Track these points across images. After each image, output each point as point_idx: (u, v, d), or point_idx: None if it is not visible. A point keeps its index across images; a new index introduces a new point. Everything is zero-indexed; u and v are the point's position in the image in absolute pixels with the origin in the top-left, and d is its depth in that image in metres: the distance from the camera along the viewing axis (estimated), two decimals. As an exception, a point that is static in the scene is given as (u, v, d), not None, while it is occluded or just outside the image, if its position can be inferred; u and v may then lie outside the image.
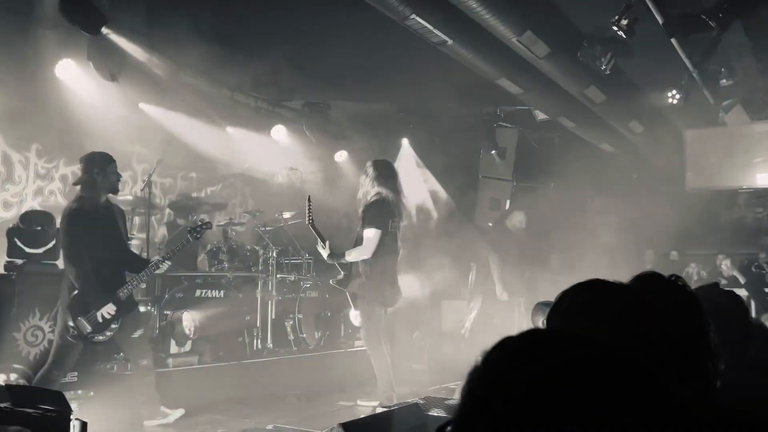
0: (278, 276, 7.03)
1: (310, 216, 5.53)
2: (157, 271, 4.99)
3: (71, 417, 3.13)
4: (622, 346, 1.33)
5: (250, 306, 6.71)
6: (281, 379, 6.35)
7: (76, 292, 4.71)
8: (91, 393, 5.22)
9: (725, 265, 9.45)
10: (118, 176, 4.95)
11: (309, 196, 5.67)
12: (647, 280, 1.69)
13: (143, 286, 5.25)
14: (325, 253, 5.52)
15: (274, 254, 7.04)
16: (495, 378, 0.76)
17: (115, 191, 4.98)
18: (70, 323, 4.68)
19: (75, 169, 7.22)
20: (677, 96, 7.32)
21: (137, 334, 4.92)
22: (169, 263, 5.01)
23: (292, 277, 7.30)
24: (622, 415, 0.71)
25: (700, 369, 1.48)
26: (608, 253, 10.20)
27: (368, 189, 5.48)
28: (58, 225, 5.59)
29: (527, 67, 6.48)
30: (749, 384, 2.07)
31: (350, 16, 5.92)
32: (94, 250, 4.74)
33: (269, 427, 5.17)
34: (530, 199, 8.83)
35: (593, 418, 0.70)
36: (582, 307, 1.45)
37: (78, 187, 4.89)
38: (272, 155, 8.62)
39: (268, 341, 6.77)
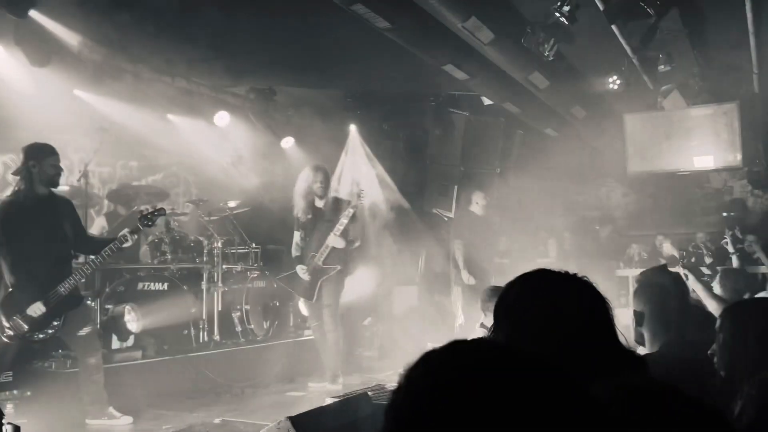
0: (224, 267, 6.91)
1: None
2: (125, 245, 4.81)
3: (2, 421, 2.98)
4: (567, 337, 1.34)
5: (195, 298, 6.57)
6: (229, 372, 6.26)
7: (10, 289, 4.55)
8: (28, 393, 5.02)
9: (665, 246, 9.77)
10: (58, 169, 4.76)
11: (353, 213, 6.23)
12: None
13: (89, 270, 4.96)
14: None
15: (220, 244, 6.90)
16: (417, 397, 0.77)
17: (54, 184, 4.78)
18: (5, 323, 4.51)
19: (6, 160, 6.90)
20: (618, 81, 7.48)
21: (84, 331, 4.78)
22: (135, 237, 4.88)
23: (239, 268, 7.18)
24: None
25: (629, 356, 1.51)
26: (554, 236, 10.44)
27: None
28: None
29: (473, 53, 6.49)
30: (685, 359, 2.15)
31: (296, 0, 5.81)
32: (30, 245, 4.58)
33: (217, 420, 5.09)
34: (478, 184, 8.90)
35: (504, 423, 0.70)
36: (530, 297, 1.46)
37: (17, 179, 4.74)
38: (216, 142, 8.42)
39: (215, 333, 6.65)
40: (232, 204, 7.55)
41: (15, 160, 6.96)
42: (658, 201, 11.37)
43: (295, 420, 3.04)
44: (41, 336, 4.64)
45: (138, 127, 7.50)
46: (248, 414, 5.36)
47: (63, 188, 6.29)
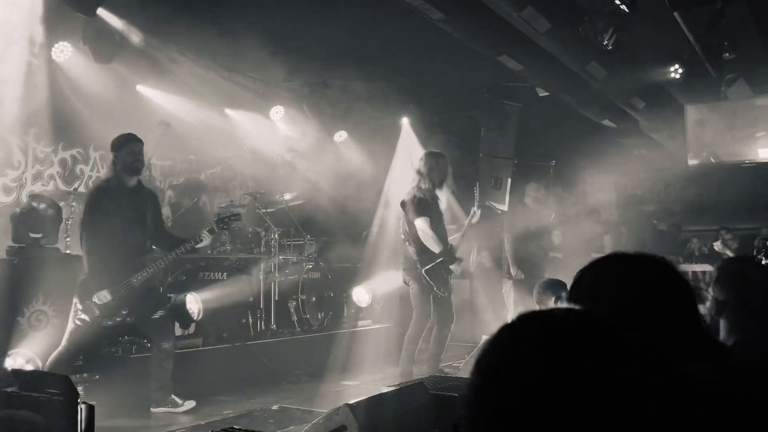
0: (280, 257, 7.03)
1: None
2: (200, 245, 4.96)
3: (78, 401, 3.13)
4: (650, 319, 1.29)
5: (253, 287, 6.71)
6: (285, 360, 6.37)
7: (86, 274, 4.71)
8: (97, 376, 5.23)
9: (727, 241, 9.44)
10: (136, 155, 4.78)
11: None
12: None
13: (162, 265, 5.00)
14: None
15: (276, 236, 7.03)
16: (501, 359, 0.76)
17: (135, 171, 4.80)
18: (79, 306, 4.65)
19: (74, 153, 7.19)
20: (679, 71, 7.27)
21: (158, 314, 4.86)
22: (210, 238, 5.03)
23: (294, 259, 7.29)
24: (622, 390, 0.71)
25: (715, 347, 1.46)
26: (610, 231, 10.22)
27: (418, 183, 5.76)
28: (59, 210, 5.59)
29: (528, 43, 6.42)
30: (763, 353, 2.07)
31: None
32: (111, 233, 4.66)
33: (275, 407, 5.20)
34: (531, 177, 8.78)
35: (594, 389, 0.70)
36: (607, 280, 1.41)
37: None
38: (271, 136, 8.58)
39: (272, 322, 6.78)
40: (287, 197, 7.67)
41: (82, 154, 7.27)
42: (720, 194, 10.99)
43: (353, 407, 3.08)
44: (110, 323, 4.73)
45: (197, 122, 7.72)
46: (304, 402, 5.46)
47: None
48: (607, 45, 6.15)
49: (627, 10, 5.44)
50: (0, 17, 5.81)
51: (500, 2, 5.46)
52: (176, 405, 4.88)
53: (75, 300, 4.70)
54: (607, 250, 9.91)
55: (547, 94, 8.52)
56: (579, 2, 6.17)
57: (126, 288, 4.70)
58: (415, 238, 5.68)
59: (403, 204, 5.83)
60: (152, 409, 4.86)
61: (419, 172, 5.76)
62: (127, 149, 4.75)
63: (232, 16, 6.57)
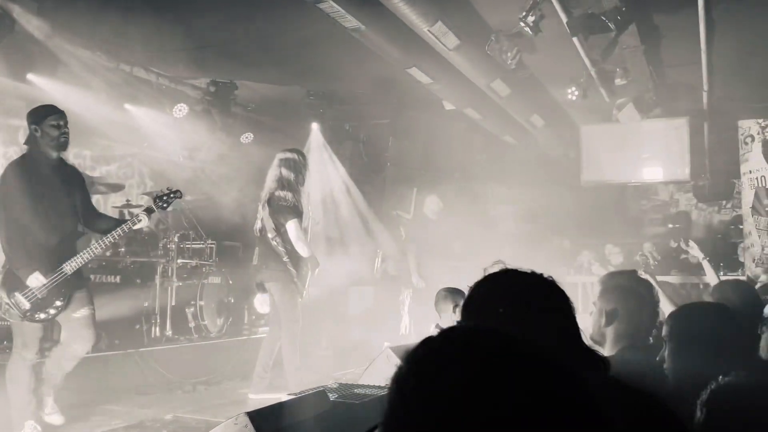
0: (179, 261, 6.79)
1: None
2: (137, 226, 4.44)
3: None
4: (537, 336, 1.37)
5: (148, 292, 6.45)
6: (181, 368, 6.16)
7: (6, 265, 4.18)
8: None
9: (613, 254, 10.07)
10: (62, 129, 4.26)
11: None
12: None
13: (98, 251, 4.45)
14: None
15: (175, 239, 6.79)
16: (422, 376, 0.77)
17: (61, 147, 4.30)
18: (6, 300, 4.14)
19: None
20: (576, 93, 7.67)
21: (80, 313, 4.32)
22: (149, 219, 4.52)
23: (194, 263, 7.08)
24: (547, 402, 0.73)
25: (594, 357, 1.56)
26: (509, 242, 10.62)
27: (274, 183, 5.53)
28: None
29: (437, 57, 6.57)
30: (646, 363, 2.21)
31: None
32: (34, 215, 4.15)
33: (168, 417, 5.01)
34: (436, 188, 9.00)
35: (519, 409, 0.72)
36: (499, 297, 1.49)
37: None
38: (173, 135, 8.27)
39: (168, 328, 6.54)
40: (188, 198, 7.43)
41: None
42: (608, 211, 11.71)
43: (252, 415, 3.02)
44: (42, 316, 4.18)
45: (93, 116, 7.31)
46: (200, 411, 5.29)
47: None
48: (511, 64, 6.41)
49: (531, 33, 5.69)
50: None
51: (412, 16, 5.56)
52: (53, 415, 4.38)
53: (3, 294, 4.17)
54: (506, 260, 10.31)
55: (454, 108, 8.76)
56: (487, 22, 6.39)
57: (59, 277, 4.18)
58: (285, 239, 5.47)
59: (269, 201, 5.53)
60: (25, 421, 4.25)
61: (282, 171, 5.57)
62: (52, 121, 4.24)
63: (138, 8, 6.30)
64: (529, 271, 1.56)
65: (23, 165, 4.25)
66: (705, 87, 7.67)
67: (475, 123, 9.28)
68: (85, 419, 4.79)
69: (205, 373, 6.28)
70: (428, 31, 5.81)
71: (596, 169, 9.54)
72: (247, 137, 8.99)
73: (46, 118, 4.26)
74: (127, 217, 5.10)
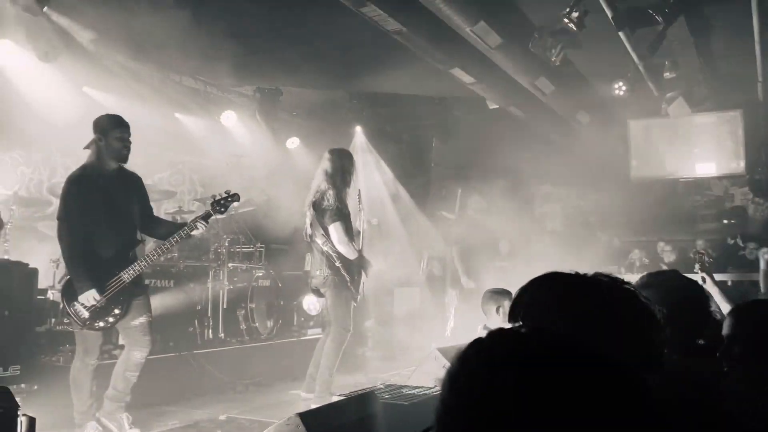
0: (230, 265, 6.94)
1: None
2: (194, 232, 4.39)
3: (18, 413, 3.03)
4: (587, 339, 1.37)
5: (201, 295, 6.61)
6: (234, 369, 6.29)
7: (68, 274, 4.30)
8: (35, 387, 5.06)
9: (666, 252, 9.83)
10: (125, 142, 4.34)
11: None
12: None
13: (156, 258, 4.47)
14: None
15: (226, 243, 6.94)
16: (474, 377, 0.78)
17: (122, 159, 4.36)
18: (66, 310, 4.25)
19: (15, 155, 6.94)
20: (623, 87, 7.53)
21: (138, 321, 4.34)
22: (206, 225, 4.44)
23: (244, 266, 7.22)
24: (601, 404, 0.74)
25: (653, 359, 1.54)
26: (555, 241, 10.49)
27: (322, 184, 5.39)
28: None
29: (480, 57, 6.55)
30: (697, 369, 2.17)
31: (304, 1, 5.85)
32: (94, 225, 4.22)
33: (222, 417, 5.13)
34: (480, 188, 8.95)
35: (570, 410, 0.72)
36: (544, 301, 1.48)
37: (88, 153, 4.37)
38: (222, 142, 8.47)
39: (220, 331, 6.69)
40: (236, 203, 7.57)
41: (23, 156, 7.02)
42: (659, 207, 11.42)
43: (304, 416, 3.08)
44: (101, 324, 4.24)
45: (145, 125, 7.54)
46: (252, 411, 5.40)
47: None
48: (555, 61, 6.34)
49: (575, 29, 5.62)
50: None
51: (454, 16, 5.56)
52: (121, 428, 4.38)
53: (62, 304, 4.32)
54: (551, 259, 10.19)
55: (497, 107, 8.70)
56: (529, 19, 6.34)
57: (118, 285, 4.24)
58: (332, 244, 5.33)
59: (315, 204, 5.40)
60: (97, 414, 4.41)
61: (326, 172, 5.41)
62: (117, 134, 4.31)
63: (185, 19, 6.48)
64: (574, 272, 1.54)
65: (83, 176, 4.31)
66: (760, 78, 7.43)
67: (519, 121, 9.20)
68: (142, 420, 4.93)
69: (256, 375, 6.40)
70: (470, 31, 5.80)
71: (646, 164, 9.35)
72: (292, 142, 9.13)
73: (112, 130, 4.32)
74: (182, 221, 5.13)
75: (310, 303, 7.64)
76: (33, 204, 6.63)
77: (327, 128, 9.22)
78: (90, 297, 4.15)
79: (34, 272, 5.42)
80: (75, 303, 4.20)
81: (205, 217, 4.48)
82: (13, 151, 6.90)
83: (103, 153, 4.31)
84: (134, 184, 4.56)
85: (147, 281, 6.09)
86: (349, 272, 5.36)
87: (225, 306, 6.75)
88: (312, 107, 9.05)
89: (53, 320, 5.74)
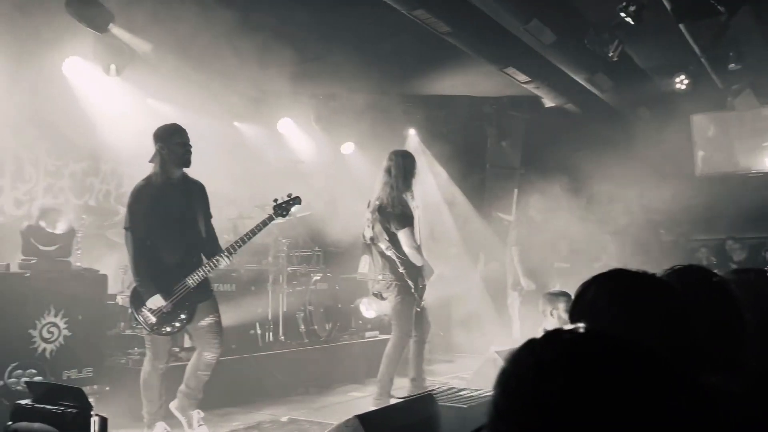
0: (288, 269, 7.07)
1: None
2: (220, 266, 4.45)
3: (91, 413, 3.17)
4: (650, 337, 1.33)
5: (261, 299, 6.75)
6: (294, 371, 6.40)
7: (135, 281, 4.41)
8: (107, 388, 5.27)
9: (735, 250, 9.43)
10: (186, 147, 4.43)
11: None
12: (681, 272, 1.69)
13: (221, 264, 4.49)
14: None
15: (284, 247, 7.07)
16: (524, 379, 0.77)
17: (185, 164, 4.45)
18: (135, 315, 4.39)
19: (84, 166, 7.26)
20: (685, 81, 7.29)
21: (206, 321, 4.44)
22: (229, 259, 4.48)
23: (302, 270, 7.33)
24: (648, 409, 0.72)
25: (729, 358, 1.48)
26: (617, 240, 10.21)
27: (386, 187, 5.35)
28: (70, 223, 5.64)
29: (534, 55, 6.47)
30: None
31: (356, 7, 5.91)
32: (160, 232, 4.33)
33: (284, 419, 5.23)
34: (538, 188, 8.80)
35: (620, 412, 0.71)
36: (608, 298, 1.45)
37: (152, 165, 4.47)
38: (279, 148, 8.64)
39: (280, 333, 6.81)
40: (294, 208, 7.70)
41: (93, 167, 7.34)
42: (727, 204, 10.97)
43: (363, 418, 3.11)
44: (168, 329, 4.37)
45: (206, 134, 7.78)
46: (313, 413, 5.48)
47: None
48: (612, 57, 6.19)
49: (632, 22, 5.47)
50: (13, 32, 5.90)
51: (506, 15, 5.52)
52: (190, 424, 4.51)
53: (130, 310, 4.49)
54: (613, 259, 9.92)
55: (554, 105, 8.56)
56: (584, 15, 6.22)
57: (183, 290, 4.34)
58: (398, 247, 5.30)
59: (380, 208, 5.34)
60: (170, 406, 4.52)
61: (389, 175, 5.34)
62: (177, 139, 4.42)
63: (242, 29, 6.65)
64: (638, 272, 1.50)
65: (148, 186, 4.43)
66: (834, 65, 7.06)
67: (576, 118, 9.02)
68: (206, 421, 5.07)
69: (316, 377, 6.49)
70: (524, 29, 5.74)
71: (712, 160, 9.01)
72: (347, 146, 9.23)
73: (172, 136, 4.42)
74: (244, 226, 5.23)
75: (367, 306, 7.69)
76: (102, 213, 6.92)
77: (381, 132, 9.26)
78: (155, 302, 4.27)
79: (104, 278, 5.65)
80: (143, 309, 4.33)
81: (264, 222, 4.55)
82: (83, 162, 7.22)
83: (167, 161, 4.41)
84: (198, 191, 4.64)
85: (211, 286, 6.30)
86: (412, 278, 5.33)
87: (284, 309, 6.88)
88: (366, 111, 9.11)
89: (122, 324, 5.98)
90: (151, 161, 4.52)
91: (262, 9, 6.08)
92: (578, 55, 6.58)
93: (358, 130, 9.25)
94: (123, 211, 7.08)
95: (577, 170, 10.09)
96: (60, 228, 5.48)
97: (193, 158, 4.56)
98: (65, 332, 5.16)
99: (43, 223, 5.45)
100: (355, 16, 6.07)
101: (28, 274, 5.17)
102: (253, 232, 4.53)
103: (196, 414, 4.52)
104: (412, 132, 9.49)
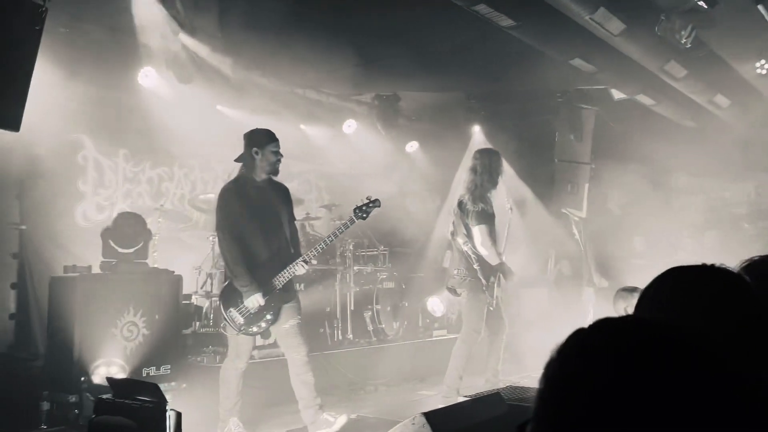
0: (355, 268, 7.14)
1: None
2: (297, 273, 4.52)
3: (167, 408, 3.30)
4: (713, 332, 1.27)
5: (329, 298, 6.85)
6: (362, 369, 6.46)
7: (227, 281, 4.53)
8: (184, 385, 5.46)
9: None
10: (279, 155, 4.54)
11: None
12: (759, 264, 1.62)
13: (305, 265, 4.57)
14: None
15: (351, 247, 7.15)
16: (569, 368, 0.75)
17: (275, 172, 4.57)
18: (224, 315, 4.48)
19: (160, 172, 7.57)
20: (766, 66, 6.89)
21: (288, 324, 4.52)
22: (307, 265, 4.54)
23: (369, 269, 7.39)
24: (694, 404, 0.68)
25: None
26: (696, 235, 9.78)
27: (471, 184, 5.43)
28: (147, 226, 5.89)
29: (601, 45, 6.26)
30: None
31: (416, 5, 5.90)
32: (249, 234, 4.42)
33: (353, 416, 5.27)
34: (611, 182, 8.55)
35: (665, 404, 0.68)
36: (672, 292, 1.40)
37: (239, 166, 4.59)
38: (344, 149, 8.75)
39: (348, 332, 6.89)
40: (378, 208, 7.79)
41: (168, 172, 7.64)
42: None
43: (429, 416, 3.10)
44: (255, 330, 4.47)
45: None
46: (381, 411, 5.51)
47: (209, 196, 6.84)
48: (686, 43, 5.92)
49: (706, 7, 5.22)
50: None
51: (571, 5, 5.37)
52: (330, 424, 4.52)
53: (221, 309, 4.58)
54: (692, 254, 9.50)
55: (624, 96, 8.27)
56: (654, 1, 5.97)
57: (271, 291, 4.43)
58: (474, 245, 5.36)
59: (460, 204, 5.46)
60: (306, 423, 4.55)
61: (473, 173, 5.44)
62: (272, 148, 4.51)
63: (304, 33, 6.77)
64: (706, 266, 1.44)
65: (236, 187, 4.53)
66: None
67: (648, 109, 8.68)
68: (278, 417, 5.20)
69: (384, 375, 6.53)
70: (590, 19, 5.56)
71: (799, 148, 8.47)
72: (411, 146, 9.22)
73: (268, 144, 4.51)
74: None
75: (435, 304, 7.68)
76: (176, 217, 7.21)
77: (445, 130, 9.23)
78: (255, 300, 4.34)
79: (179, 279, 5.86)
80: (231, 309, 4.42)
81: (345, 226, 4.61)
82: (159, 168, 7.53)
83: (257, 165, 4.49)
84: (283, 194, 4.71)
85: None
86: (485, 276, 5.34)
87: (352, 308, 6.96)
88: (430, 110, 9.10)
89: (197, 323, 6.20)
90: (238, 161, 4.60)
91: (323, 13, 6.16)
92: (649, 44, 6.32)
93: (422, 129, 9.25)
94: (197, 214, 7.39)
95: (653, 163, 9.73)
96: (137, 231, 5.72)
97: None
98: (144, 331, 5.39)
99: (121, 227, 5.71)
100: (416, 16, 6.05)
101: (108, 275, 5.43)
102: (335, 235, 4.64)
103: (330, 416, 4.55)
104: (476, 128, 9.39)
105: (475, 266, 5.31)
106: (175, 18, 5.93)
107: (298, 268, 4.50)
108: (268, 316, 4.44)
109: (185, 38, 6.37)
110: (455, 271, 5.49)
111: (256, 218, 4.46)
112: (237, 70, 7.27)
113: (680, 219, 9.95)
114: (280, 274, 4.43)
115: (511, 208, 5.68)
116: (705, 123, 9.19)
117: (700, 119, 9.14)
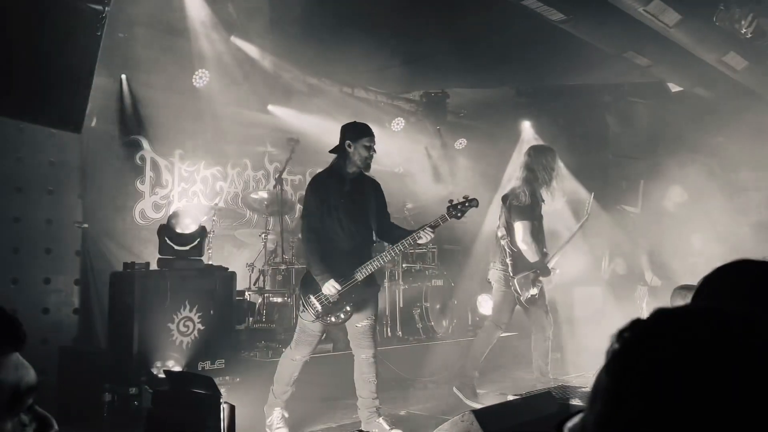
0: (404, 266, 7.16)
1: None
2: (421, 240, 4.40)
3: (221, 401, 3.40)
4: None
5: (379, 295, 6.87)
6: (412, 366, 6.47)
7: (307, 268, 4.52)
8: (237, 379, 5.59)
9: None
10: (372, 150, 4.47)
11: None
12: None
13: (387, 259, 4.56)
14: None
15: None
16: (626, 358, 0.72)
17: (366, 167, 4.49)
18: (303, 300, 4.47)
19: (214, 171, 7.76)
20: (835, 55, 6.58)
21: (361, 324, 4.47)
22: (432, 233, 4.39)
23: (418, 266, 7.40)
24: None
25: None
26: (759, 233, 9.39)
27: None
28: (202, 224, 6.05)
29: (656, 37, 6.09)
30: None
31: (464, 1, 5.88)
32: (336, 225, 4.40)
33: (402, 413, 5.30)
34: (669, 177, 8.29)
35: (730, 394, 0.65)
36: (729, 288, 1.36)
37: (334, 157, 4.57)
38: (393, 148, 8.77)
39: (398, 329, 6.92)
40: (409, 206, 7.80)
41: (221, 171, 7.83)
42: None
43: (478, 414, 3.09)
44: (332, 319, 4.43)
45: (324, 137, 8.06)
46: (431, 408, 5.52)
47: (261, 195, 6.97)
48: (746, 33, 5.71)
49: (768, -6, 5.04)
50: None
51: (623, -3, 5.26)
52: (383, 430, 4.50)
53: (299, 296, 4.58)
54: (756, 254, 9.11)
55: (680, 89, 8.03)
56: (712, -10, 5.79)
57: (351, 283, 4.37)
58: (512, 240, 5.34)
59: (505, 199, 5.48)
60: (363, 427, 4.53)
61: (524, 169, 5.42)
62: (366, 142, 4.45)
63: (352, 32, 6.83)
64: (764, 260, 1.39)
65: (327, 177, 4.54)
66: None
67: (706, 102, 8.41)
68: (330, 412, 5.27)
69: (434, 372, 6.52)
70: (644, 11, 5.44)
71: None
72: (460, 143, 9.18)
73: (363, 138, 4.45)
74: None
75: (484, 302, 7.63)
76: (230, 215, 7.36)
77: (494, 126, 9.16)
78: (330, 286, 4.30)
79: (233, 275, 5.99)
80: (310, 296, 4.40)
81: (435, 225, 4.41)
82: (213, 168, 7.72)
83: (350, 158, 4.45)
84: (373, 187, 4.65)
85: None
86: (517, 271, 5.31)
87: (401, 305, 6.97)
88: (478, 107, 9.04)
89: (250, 319, 6.33)
90: (333, 152, 4.60)
91: (371, 11, 6.20)
92: (706, 34, 6.12)
93: (471, 126, 9.20)
94: (249, 213, 7.56)
95: (713, 158, 9.40)
96: (193, 229, 5.87)
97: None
98: (199, 326, 5.53)
99: (177, 225, 5.87)
100: (463, 12, 6.03)
101: (165, 272, 5.59)
102: (418, 236, 4.42)
103: (384, 422, 4.54)
104: (526, 124, 9.28)
105: (508, 260, 5.32)
106: (227, 20, 6.06)
107: (384, 260, 4.47)
108: (347, 308, 4.40)
109: (237, 40, 6.51)
110: (491, 264, 5.54)
111: (341, 209, 4.42)
112: (287, 71, 7.39)
113: (742, 216, 9.58)
114: (363, 266, 4.38)
115: (588, 213, 5.71)
116: (766, 115, 8.83)
117: (761, 111, 8.79)
